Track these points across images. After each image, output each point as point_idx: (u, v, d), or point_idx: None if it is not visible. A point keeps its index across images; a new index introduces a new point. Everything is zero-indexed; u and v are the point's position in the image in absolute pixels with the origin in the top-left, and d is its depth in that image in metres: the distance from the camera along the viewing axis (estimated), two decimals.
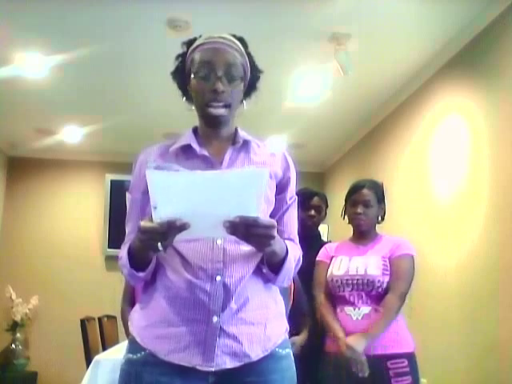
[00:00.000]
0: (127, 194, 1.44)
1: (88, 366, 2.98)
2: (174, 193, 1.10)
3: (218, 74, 1.35)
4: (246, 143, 1.42)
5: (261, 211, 1.15)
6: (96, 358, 2.84)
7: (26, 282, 5.77)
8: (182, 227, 1.11)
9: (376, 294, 2.34)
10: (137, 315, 1.36)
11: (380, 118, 4.77)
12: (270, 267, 1.32)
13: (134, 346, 1.31)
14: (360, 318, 2.32)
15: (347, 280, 2.38)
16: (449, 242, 3.43)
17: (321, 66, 3.82)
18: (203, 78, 1.36)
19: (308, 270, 2.40)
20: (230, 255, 1.28)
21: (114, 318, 4.49)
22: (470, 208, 3.21)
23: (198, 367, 1.24)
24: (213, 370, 1.25)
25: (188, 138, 1.41)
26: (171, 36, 3.33)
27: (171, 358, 1.25)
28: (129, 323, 1.38)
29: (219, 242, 1.28)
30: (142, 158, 1.44)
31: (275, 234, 1.17)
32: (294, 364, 1.38)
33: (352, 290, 2.37)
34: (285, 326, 1.40)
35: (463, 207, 3.30)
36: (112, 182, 6.02)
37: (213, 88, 1.34)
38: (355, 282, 2.36)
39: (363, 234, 2.51)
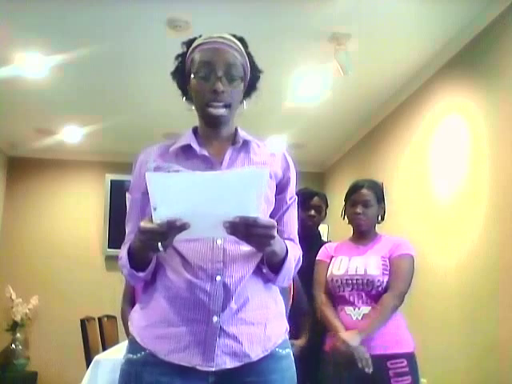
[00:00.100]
0: (127, 194, 1.44)
1: (88, 366, 2.98)
2: (174, 194, 1.10)
3: (218, 74, 1.35)
4: (245, 143, 1.42)
5: (261, 211, 1.15)
6: (96, 358, 2.84)
7: (26, 281, 5.77)
8: (182, 227, 1.11)
9: (376, 294, 2.34)
10: (137, 315, 1.36)
11: (380, 117, 4.77)
12: (270, 267, 1.32)
13: (133, 346, 1.31)
14: (360, 318, 2.32)
15: (347, 280, 2.38)
16: (449, 242, 3.43)
17: (321, 65, 3.82)
18: (203, 78, 1.36)
19: (308, 270, 2.40)
20: (230, 255, 1.28)
21: (114, 317, 4.49)
22: (470, 208, 3.21)
23: (198, 367, 1.24)
24: (213, 369, 1.25)
25: (188, 138, 1.41)
26: (171, 36, 3.33)
27: (171, 358, 1.25)
28: (129, 323, 1.38)
29: (219, 242, 1.28)
30: (142, 157, 1.44)
31: (275, 234, 1.17)
32: (294, 364, 1.38)
33: (352, 289, 2.37)
34: (285, 326, 1.40)
35: (463, 207, 3.30)
36: (112, 182, 6.02)
37: (213, 88, 1.34)
38: (355, 281, 2.36)
39: (363, 234, 2.51)
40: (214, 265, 1.27)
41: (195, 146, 1.39)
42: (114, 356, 2.69)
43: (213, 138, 1.42)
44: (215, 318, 1.26)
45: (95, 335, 4.18)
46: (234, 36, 1.42)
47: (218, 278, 1.26)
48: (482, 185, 3.09)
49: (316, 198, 3.03)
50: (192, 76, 1.39)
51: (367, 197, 2.47)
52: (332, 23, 3.32)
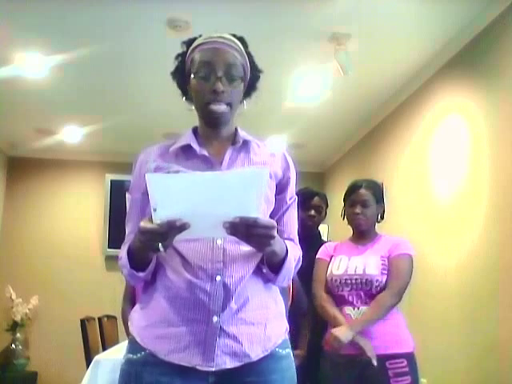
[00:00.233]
0: (127, 194, 1.44)
1: (88, 366, 2.98)
2: (174, 194, 1.10)
3: (218, 74, 1.35)
4: (245, 143, 1.42)
5: (261, 211, 1.15)
6: (96, 358, 2.84)
7: (26, 281, 5.77)
8: (182, 227, 1.11)
9: (375, 294, 2.34)
10: (137, 315, 1.36)
11: (380, 117, 4.77)
12: (270, 267, 1.32)
13: (134, 346, 1.31)
14: (359, 318, 2.32)
15: (346, 280, 2.38)
16: (449, 242, 3.43)
17: (321, 65, 3.82)
18: (203, 78, 1.36)
19: (308, 271, 2.40)
20: (229, 255, 1.28)
21: (114, 317, 4.49)
22: (470, 208, 3.21)
23: (198, 367, 1.24)
24: (213, 369, 1.25)
25: (188, 138, 1.41)
26: (171, 36, 3.33)
27: (171, 358, 1.25)
28: (129, 323, 1.38)
29: (219, 242, 1.28)
30: (142, 157, 1.44)
31: (275, 234, 1.17)
32: (294, 364, 1.38)
33: (351, 289, 2.37)
34: (285, 326, 1.40)
35: (463, 207, 3.30)
36: (112, 181, 6.02)
37: (213, 88, 1.34)
38: (354, 281, 2.36)
39: (363, 234, 2.51)
40: (214, 265, 1.27)
41: (195, 146, 1.39)
42: (114, 356, 2.70)
43: (213, 138, 1.42)
44: (215, 318, 1.26)
45: (95, 335, 4.18)
46: (234, 36, 1.42)
47: (218, 277, 1.26)
48: (482, 185, 3.09)
49: (316, 198, 3.03)
50: (192, 76, 1.39)
51: (365, 197, 2.47)
52: (332, 23, 3.32)
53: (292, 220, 1.45)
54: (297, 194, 1.48)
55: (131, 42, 3.63)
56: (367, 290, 2.34)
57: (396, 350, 2.28)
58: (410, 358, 2.29)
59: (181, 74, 1.44)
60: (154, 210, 1.11)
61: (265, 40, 3.37)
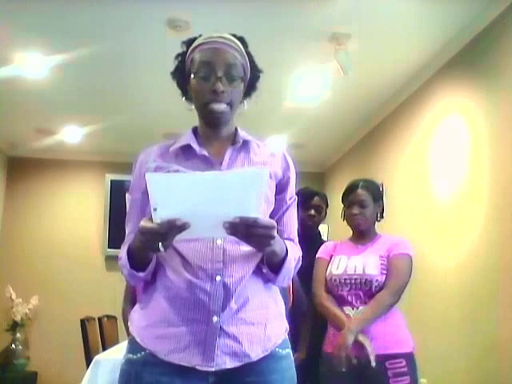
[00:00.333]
0: (127, 194, 1.44)
1: (88, 366, 2.98)
2: (174, 194, 1.10)
3: (218, 75, 1.34)
4: (245, 143, 1.42)
5: (261, 211, 1.15)
6: (96, 358, 2.84)
7: (26, 281, 5.77)
8: (182, 227, 1.11)
9: (374, 294, 2.33)
10: (137, 315, 1.36)
11: (380, 117, 4.77)
12: (269, 267, 1.32)
13: (134, 346, 1.31)
14: (358, 317, 2.32)
15: (345, 279, 2.38)
16: (449, 242, 3.43)
17: (321, 65, 3.82)
18: (203, 78, 1.36)
19: (308, 271, 2.40)
20: (229, 255, 1.28)
21: (114, 317, 4.50)
22: (470, 208, 3.21)
23: (198, 367, 1.24)
24: (213, 369, 1.25)
25: (188, 138, 1.41)
26: (171, 36, 3.33)
27: (171, 358, 1.25)
28: (129, 323, 1.38)
29: (219, 242, 1.28)
30: (142, 157, 1.44)
31: (275, 234, 1.17)
32: (293, 364, 1.38)
33: (350, 289, 2.37)
34: (285, 326, 1.40)
35: (463, 207, 3.30)
36: (112, 182, 6.03)
37: (213, 88, 1.34)
38: (353, 281, 2.36)
39: (362, 234, 2.51)
40: (214, 265, 1.27)
41: (195, 146, 1.38)
42: (114, 356, 2.70)
43: (213, 138, 1.42)
44: (215, 318, 1.26)
45: (95, 335, 4.18)
46: (234, 36, 1.42)
47: (218, 277, 1.26)
48: (482, 185, 3.09)
49: (316, 198, 3.03)
50: (192, 76, 1.38)
51: (363, 197, 2.46)
52: (332, 23, 3.33)
53: (292, 220, 1.45)
54: (297, 193, 1.48)
55: (131, 42, 3.63)
56: (367, 290, 2.34)
57: (395, 350, 2.27)
58: (409, 358, 2.28)
59: (181, 74, 1.44)
60: (154, 209, 1.11)
61: (265, 40, 3.37)
